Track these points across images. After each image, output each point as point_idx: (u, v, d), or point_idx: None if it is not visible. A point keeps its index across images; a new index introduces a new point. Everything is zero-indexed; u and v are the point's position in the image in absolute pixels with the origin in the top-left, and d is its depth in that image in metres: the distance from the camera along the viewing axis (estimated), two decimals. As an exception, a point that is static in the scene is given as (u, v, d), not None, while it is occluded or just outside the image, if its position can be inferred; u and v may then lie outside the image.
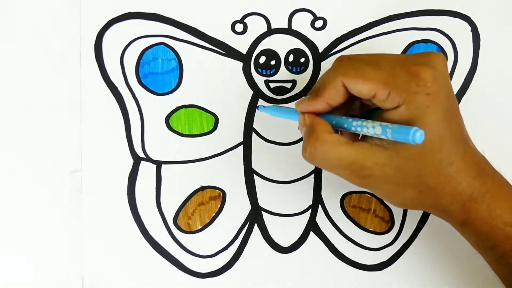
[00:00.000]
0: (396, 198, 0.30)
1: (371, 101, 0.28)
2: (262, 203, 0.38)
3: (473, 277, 0.38)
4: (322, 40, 0.37)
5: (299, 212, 0.39)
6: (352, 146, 0.28)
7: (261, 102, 0.38)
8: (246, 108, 0.38)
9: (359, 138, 0.30)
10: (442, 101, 0.27)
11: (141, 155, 0.38)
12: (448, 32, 0.37)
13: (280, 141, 0.38)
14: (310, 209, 0.39)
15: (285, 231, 0.39)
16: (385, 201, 0.38)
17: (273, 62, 0.37)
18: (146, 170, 0.38)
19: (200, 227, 0.39)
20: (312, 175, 0.38)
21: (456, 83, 0.37)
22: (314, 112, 0.30)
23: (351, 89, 0.28)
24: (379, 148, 0.28)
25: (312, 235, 0.39)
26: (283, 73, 0.37)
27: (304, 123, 0.30)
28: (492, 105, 0.38)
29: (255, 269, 0.39)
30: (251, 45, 0.37)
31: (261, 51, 0.37)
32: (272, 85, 0.37)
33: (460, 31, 0.37)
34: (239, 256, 0.39)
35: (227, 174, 0.38)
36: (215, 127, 0.38)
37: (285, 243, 0.39)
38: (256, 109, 0.37)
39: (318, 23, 0.37)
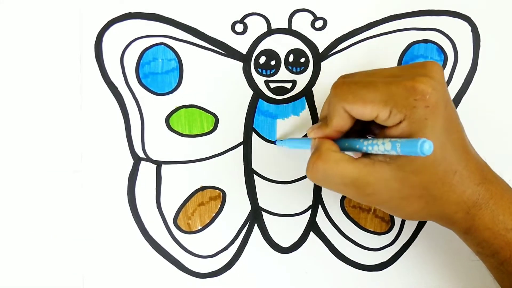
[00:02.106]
0: (403, 211, 0.30)
1: (374, 121, 0.28)
2: (262, 203, 0.38)
3: (473, 277, 0.38)
4: (322, 40, 0.37)
5: (299, 212, 0.39)
6: (354, 163, 0.28)
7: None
8: (246, 108, 0.38)
9: (361, 155, 0.30)
10: (441, 111, 0.27)
11: (141, 155, 0.38)
12: (448, 32, 0.37)
13: (280, 141, 0.38)
14: (310, 209, 0.39)
15: (285, 231, 0.39)
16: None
17: (273, 62, 0.37)
18: (146, 170, 0.38)
19: (200, 227, 0.38)
20: (312, 175, 0.38)
21: (456, 83, 0.37)
22: (326, 138, 0.30)
23: (353, 114, 0.28)
24: (382, 164, 0.27)
25: (312, 235, 0.39)
26: (283, 73, 0.37)
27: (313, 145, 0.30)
28: (492, 105, 0.38)
29: (255, 269, 0.39)
30: (251, 45, 0.37)
31: (261, 51, 0.37)
32: (272, 85, 0.37)
33: (460, 31, 0.37)
34: (239, 256, 0.39)
35: (227, 174, 0.38)
36: (215, 127, 0.38)
37: (285, 243, 0.39)
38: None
39: (318, 23, 0.37)
